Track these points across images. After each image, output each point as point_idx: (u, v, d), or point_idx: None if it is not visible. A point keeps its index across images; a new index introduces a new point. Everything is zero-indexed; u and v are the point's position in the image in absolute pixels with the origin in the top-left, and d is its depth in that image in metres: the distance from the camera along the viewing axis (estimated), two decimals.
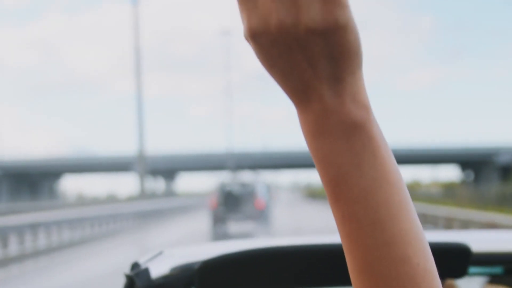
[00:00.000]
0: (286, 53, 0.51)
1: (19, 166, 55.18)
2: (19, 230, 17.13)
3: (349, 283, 1.35)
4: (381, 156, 0.53)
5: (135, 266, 1.40)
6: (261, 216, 19.95)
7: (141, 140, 36.38)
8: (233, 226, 20.78)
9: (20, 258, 16.10)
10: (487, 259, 1.32)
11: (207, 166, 61.70)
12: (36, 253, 17.22)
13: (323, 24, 0.49)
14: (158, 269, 1.38)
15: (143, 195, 39.30)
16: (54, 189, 65.56)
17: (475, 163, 57.57)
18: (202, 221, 26.31)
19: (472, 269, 1.32)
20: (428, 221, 22.56)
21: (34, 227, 18.08)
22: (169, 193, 64.72)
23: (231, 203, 20.03)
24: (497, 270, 1.37)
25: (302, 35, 0.50)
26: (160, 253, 1.46)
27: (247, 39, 0.52)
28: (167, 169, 61.86)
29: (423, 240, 0.54)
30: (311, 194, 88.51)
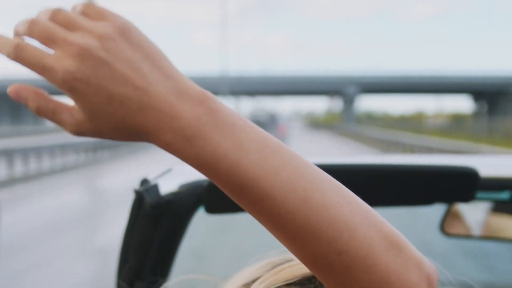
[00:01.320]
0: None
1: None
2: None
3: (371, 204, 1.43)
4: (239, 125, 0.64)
5: (144, 182, 1.47)
6: (283, 140, 24.62)
7: None
8: None
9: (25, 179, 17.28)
10: (494, 184, 1.39)
11: None
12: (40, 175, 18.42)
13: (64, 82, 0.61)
14: (167, 186, 1.46)
15: None
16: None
17: (490, 94, 57.00)
18: None
19: (479, 194, 1.39)
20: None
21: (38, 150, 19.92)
22: None
23: None
24: (504, 195, 1.46)
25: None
26: (169, 170, 1.54)
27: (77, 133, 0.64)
28: None
29: (331, 181, 0.66)
30: (313, 123, 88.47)
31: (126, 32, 0.62)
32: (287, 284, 0.83)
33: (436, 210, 1.26)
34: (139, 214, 1.48)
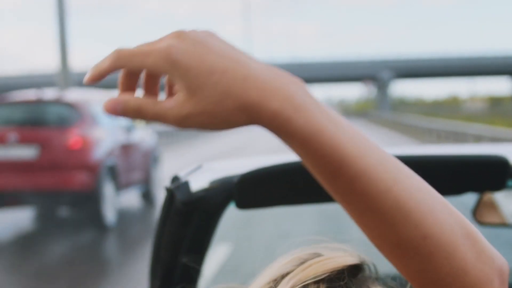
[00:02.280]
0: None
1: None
2: None
3: None
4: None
5: (175, 179, 1.53)
6: None
7: None
8: None
9: None
10: None
11: None
12: None
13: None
14: (197, 183, 1.52)
15: None
16: None
17: None
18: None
19: (511, 182, 1.43)
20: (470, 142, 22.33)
21: None
22: None
23: None
24: None
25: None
26: (199, 167, 1.60)
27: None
28: None
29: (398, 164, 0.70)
30: (346, 111, 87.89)
31: (211, 33, 0.67)
32: (316, 281, 0.83)
33: (469, 200, 1.30)
34: (170, 212, 1.53)
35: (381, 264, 0.89)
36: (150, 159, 11.09)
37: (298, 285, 0.83)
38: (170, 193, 1.52)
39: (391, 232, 0.69)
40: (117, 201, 9.47)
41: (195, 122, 0.65)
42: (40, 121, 9.18)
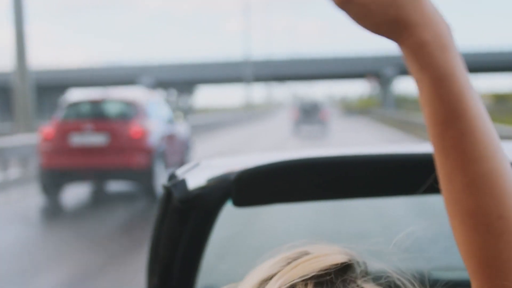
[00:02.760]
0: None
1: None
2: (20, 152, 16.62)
3: (384, 195, 1.50)
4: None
5: (172, 177, 1.55)
6: (324, 122, 36.65)
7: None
8: (306, 127, 36.39)
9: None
10: None
11: (226, 77, 60.34)
12: None
13: None
14: (195, 180, 1.54)
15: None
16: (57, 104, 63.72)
17: None
18: None
19: None
20: None
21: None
22: (187, 109, 64.03)
23: (306, 114, 36.35)
24: None
25: None
26: (197, 164, 1.62)
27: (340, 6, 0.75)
28: (182, 81, 60.38)
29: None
30: (348, 108, 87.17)
31: None
32: (303, 280, 0.84)
33: None
34: (168, 209, 1.56)
35: (377, 260, 0.91)
36: (185, 146, 14.49)
37: (286, 284, 0.83)
38: (168, 190, 1.54)
39: (472, 201, 0.75)
40: (164, 178, 11.45)
41: (353, 10, 0.75)
42: (108, 115, 12.20)
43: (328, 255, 0.86)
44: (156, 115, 12.61)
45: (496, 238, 0.75)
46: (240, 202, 1.50)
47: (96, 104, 12.38)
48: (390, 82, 59.46)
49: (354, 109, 78.16)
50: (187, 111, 62.46)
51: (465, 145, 0.74)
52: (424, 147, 1.47)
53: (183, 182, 1.53)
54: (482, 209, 0.74)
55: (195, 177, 1.55)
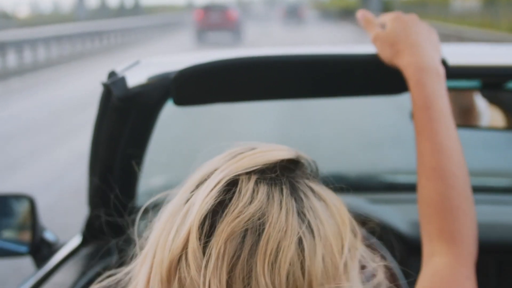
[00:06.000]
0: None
1: None
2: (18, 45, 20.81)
3: (325, 95, 1.59)
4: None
5: (112, 74, 1.58)
6: (301, 18, 56.34)
7: None
8: (290, 21, 50.89)
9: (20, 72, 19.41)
10: (464, 73, 1.53)
11: None
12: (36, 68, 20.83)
13: None
14: (135, 78, 1.58)
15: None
16: None
17: None
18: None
19: (449, 83, 1.54)
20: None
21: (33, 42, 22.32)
22: (136, 10, 64.46)
23: (289, 13, 56.14)
24: (475, 84, 1.61)
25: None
26: (137, 62, 1.65)
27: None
28: None
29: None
30: (323, 10, 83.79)
31: (417, 19, 1.42)
32: (247, 173, 0.88)
33: (407, 99, 1.41)
34: (107, 108, 1.61)
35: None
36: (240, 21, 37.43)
37: (229, 176, 0.88)
38: (107, 88, 1.58)
39: (434, 161, 1.21)
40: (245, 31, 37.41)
41: (378, 42, 1.43)
42: (220, 8, 37.11)
43: (275, 151, 0.92)
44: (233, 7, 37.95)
45: (450, 189, 1.18)
46: (180, 101, 1.55)
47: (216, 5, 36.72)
48: None
49: (330, 12, 75.02)
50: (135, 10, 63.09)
51: (432, 124, 1.24)
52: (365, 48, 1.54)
53: (122, 80, 1.56)
54: (441, 167, 1.20)
55: (135, 75, 1.59)
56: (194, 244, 0.85)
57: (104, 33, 32.65)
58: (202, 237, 0.85)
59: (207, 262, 0.84)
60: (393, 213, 2.15)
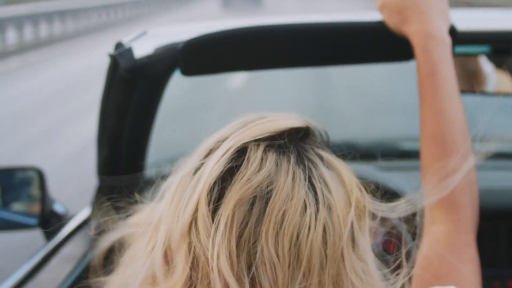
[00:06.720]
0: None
1: None
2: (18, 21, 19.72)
3: (332, 63, 1.60)
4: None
5: (118, 46, 1.59)
6: None
7: None
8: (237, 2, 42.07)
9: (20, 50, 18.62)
10: (473, 38, 1.54)
11: None
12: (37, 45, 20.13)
13: None
14: (142, 49, 1.59)
15: None
16: None
17: None
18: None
19: (458, 49, 1.55)
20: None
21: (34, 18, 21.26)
22: None
23: None
24: (484, 49, 1.61)
25: None
26: (144, 33, 1.66)
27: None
28: None
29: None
30: None
31: None
32: (256, 140, 0.89)
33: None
34: (114, 79, 1.62)
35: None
36: None
37: (238, 143, 0.89)
38: (114, 59, 1.59)
39: (436, 125, 1.25)
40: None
41: (385, 10, 1.43)
42: None
43: (285, 119, 0.92)
44: None
45: (449, 156, 1.20)
46: (188, 71, 1.56)
47: None
48: None
49: None
50: None
51: (435, 91, 1.27)
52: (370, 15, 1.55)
53: (129, 51, 1.57)
54: (441, 133, 1.24)
55: (142, 46, 1.60)
56: (203, 210, 0.86)
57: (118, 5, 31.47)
58: (211, 203, 0.86)
59: (216, 228, 0.85)
60: (403, 180, 2.16)
